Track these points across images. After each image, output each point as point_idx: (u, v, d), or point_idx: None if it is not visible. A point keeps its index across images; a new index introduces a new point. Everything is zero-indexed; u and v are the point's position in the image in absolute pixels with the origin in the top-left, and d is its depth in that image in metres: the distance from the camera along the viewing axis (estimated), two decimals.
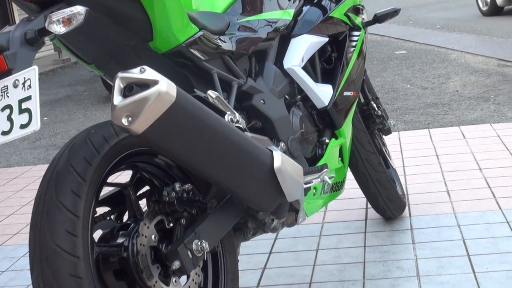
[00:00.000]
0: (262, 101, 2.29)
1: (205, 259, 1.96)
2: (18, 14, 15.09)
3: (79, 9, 1.65)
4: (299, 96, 2.57)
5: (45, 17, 1.69)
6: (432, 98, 6.21)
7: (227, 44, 2.21)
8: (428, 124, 5.34)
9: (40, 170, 5.29)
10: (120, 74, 1.61)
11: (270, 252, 3.19)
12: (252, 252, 3.19)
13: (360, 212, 3.55)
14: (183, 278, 2.02)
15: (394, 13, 3.12)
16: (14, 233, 3.88)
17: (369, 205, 3.45)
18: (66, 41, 1.99)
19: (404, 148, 4.59)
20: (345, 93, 2.77)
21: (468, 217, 3.29)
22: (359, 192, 3.40)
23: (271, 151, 1.98)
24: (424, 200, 3.58)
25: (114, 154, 1.80)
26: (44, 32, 1.68)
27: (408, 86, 6.89)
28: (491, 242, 2.98)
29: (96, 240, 1.87)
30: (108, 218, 1.98)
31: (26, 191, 4.72)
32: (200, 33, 2.08)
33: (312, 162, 2.56)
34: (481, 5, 12.01)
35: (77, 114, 8.24)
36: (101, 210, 1.93)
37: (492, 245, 2.95)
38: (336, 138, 2.72)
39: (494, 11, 11.69)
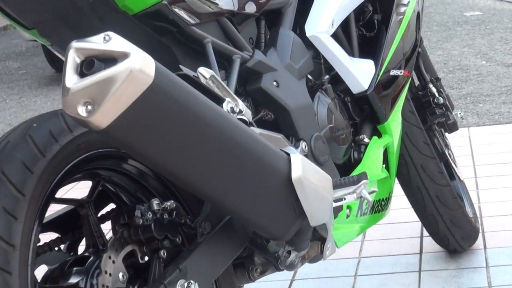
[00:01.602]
0: (275, 82, 2.31)
1: None
2: None
3: None
4: (327, 76, 2.58)
5: None
6: None
7: (226, 2, 2.22)
8: None
9: None
10: (75, 44, 1.63)
11: None
12: None
13: (413, 242, 3.56)
14: None
15: None
16: None
17: (426, 233, 3.46)
18: None
19: (477, 152, 4.59)
20: (393, 72, 2.78)
21: None
22: (411, 214, 3.41)
23: (288, 155, 1.99)
24: (505, 225, 3.59)
25: (66, 158, 1.81)
26: None
27: (484, 62, 6.90)
28: None
29: (39, 279, 1.89)
30: (56, 248, 1.99)
31: None
32: None
33: (345, 170, 2.57)
34: None
35: (8, 102, 8.27)
36: (47, 237, 1.94)
37: None
38: (380, 136, 2.74)
39: None
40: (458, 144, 4.58)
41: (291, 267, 2.25)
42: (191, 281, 1.92)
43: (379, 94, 2.70)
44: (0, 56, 11.61)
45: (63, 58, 1.69)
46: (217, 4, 2.18)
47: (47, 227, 1.98)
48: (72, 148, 1.82)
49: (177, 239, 2.04)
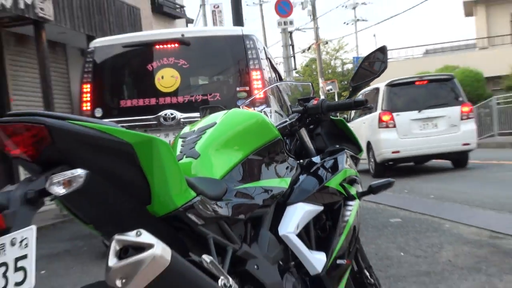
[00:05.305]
0: (256, 266, 2.28)
1: None
2: (23, 171, 15.22)
3: (80, 172, 1.67)
4: (292, 263, 2.56)
5: (46, 178, 1.71)
6: (425, 267, 6.17)
7: (223, 210, 2.21)
8: None
9: None
10: (117, 237, 1.63)
11: None
12: None
13: None
14: None
15: (388, 185, 3.19)
16: None
17: None
18: (65, 202, 1.99)
19: None
20: (338, 261, 2.76)
21: None
22: None
23: None
24: None
25: None
26: (44, 193, 1.69)
27: (402, 254, 6.86)
28: None
29: None
30: None
31: None
32: (198, 198, 2.07)
33: None
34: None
35: (74, 269, 8.14)
36: None
37: None
38: None
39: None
40: None
41: None
42: None
43: (329, 276, 2.67)
44: (71, 237, 11.52)
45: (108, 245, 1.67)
46: (217, 211, 2.18)
47: None
48: None
49: None
